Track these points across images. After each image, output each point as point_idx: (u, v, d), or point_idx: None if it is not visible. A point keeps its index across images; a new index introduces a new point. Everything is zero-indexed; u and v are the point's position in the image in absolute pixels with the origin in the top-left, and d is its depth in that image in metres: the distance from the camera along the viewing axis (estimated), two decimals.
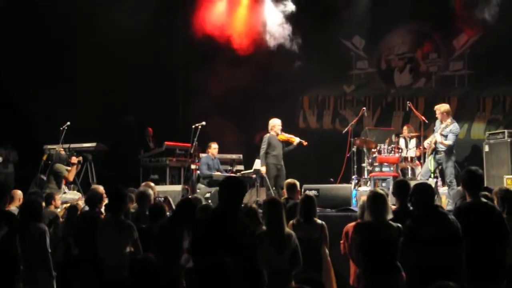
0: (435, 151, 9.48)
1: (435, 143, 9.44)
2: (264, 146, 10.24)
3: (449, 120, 9.38)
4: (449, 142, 9.31)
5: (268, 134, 10.38)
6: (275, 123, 10.44)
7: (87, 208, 6.89)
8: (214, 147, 11.33)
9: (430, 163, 9.56)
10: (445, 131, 9.34)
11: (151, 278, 3.61)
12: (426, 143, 9.77)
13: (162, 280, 4.83)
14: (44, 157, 10.85)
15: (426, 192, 4.99)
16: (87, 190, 9.42)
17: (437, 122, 9.62)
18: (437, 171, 9.88)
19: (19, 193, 7.51)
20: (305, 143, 10.56)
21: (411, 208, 5.29)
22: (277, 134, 10.35)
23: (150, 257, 4.02)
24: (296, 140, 10.45)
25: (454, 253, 4.69)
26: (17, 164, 12.11)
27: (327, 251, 6.20)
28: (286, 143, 10.44)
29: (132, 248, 5.53)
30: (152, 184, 7.87)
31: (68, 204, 8.08)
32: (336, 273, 6.35)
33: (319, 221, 6.15)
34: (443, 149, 9.36)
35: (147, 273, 3.61)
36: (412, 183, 5.70)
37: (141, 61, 13.40)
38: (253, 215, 5.79)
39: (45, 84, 12.66)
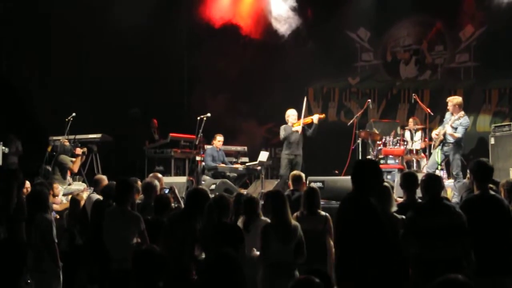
0: (442, 143, 9.47)
1: (444, 134, 9.43)
2: (280, 135, 10.32)
3: (461, 113, 9.40)
4: (459, 134, 9.31)
5: (284, 125, 10.38)
6: (288, 114, 10.42)
7: (96, 197, 6.92)
8: (219, 139, 11.34)
9: (437, 155, 9.55)
10: (455, 123, 9.34)
11: (155, 269, 3.61)
12: (434, 133, 9.77)
13: (172, 271, 4.85)
14: (49, 149, 10.87)
15: (436, 183, 4.97)
16: (92, 181, 9.45)
17: (447, 114, 9.61)
18: (443, 163, 9.88)
19: (26, 183, 7.53)
20: (321, 115, 10.52)
21: (419, 200, 5.28)
22: (292, 124, 10.30)
23: (154, 248, 4.02)
24: (314, 118, 10.35)
25: (459, 245, 4.66)
26: (21, 155, 12.08)
27: (331, 242, 6.20)
28: (309, 126, 10.34)
29: (139, 239, 5.54)
30: (159, 175, 7.86)
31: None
32: None
33: (323, 212, 6.14)
34: (451, 142, 9.35)
35: (151, 263, 3.61)
36: (419, 176, 5.68)
37: (146, 52, 13.39)
38: (254, 206, 5.80)
39: (49, 76, 12.67)
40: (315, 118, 10.32)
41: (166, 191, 7.68)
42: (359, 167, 4.41)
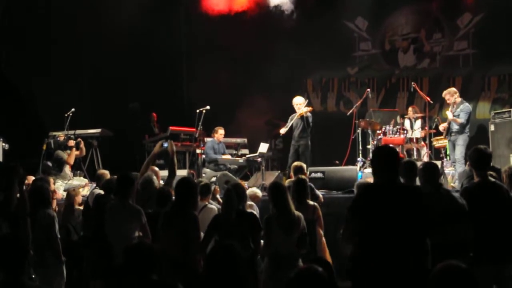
0: (449, 133, 9.56)
1: (449, 123, 9.49)
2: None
3: (458, 99, 9.48)
4: (461, 120, 9.38)
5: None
6: (293, 102, 10.50)
7: (97, 191, 6.94)
8: (220, 132, 11.34)
9: (448, 146, 9.68)
10: (457, 111, 9.42)
11: (145, 262, 3.63)
12: (441, 127, 9.86)
13: (176, 264, 4.86)
14: (44, 147, 10.83)
15: (435, 170, 5.03)
16: (93, 176, 9.47)
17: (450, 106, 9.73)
18: (449, 152, 9.95)
19: (28, 179, 7.55)
20: (309, 108, 10.53)
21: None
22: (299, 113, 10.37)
23: (144, 242, 4.04)
24: (303, 111, 10.38)
25: (461, 229, 4.69)
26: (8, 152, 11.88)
27: (321, 231, 6.21)
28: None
29: (141, 232, 5.55)
30: (156, 168, 7.86)
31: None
32: (340, 255, 6.35)
33: (311, 202, 6.16)
34: (456, 129, 9.41)
35: (141, 258, 3.63)
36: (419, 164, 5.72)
37: (144, 46, 13.37)
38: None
39: (49, 71, 12.66)
40: (304, 110, 10.36)
41: (165, 145, 7.68)
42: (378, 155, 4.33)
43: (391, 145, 4.53)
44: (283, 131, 10.49)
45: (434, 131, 10.74)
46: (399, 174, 4.19)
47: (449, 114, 9.46)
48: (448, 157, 9.87)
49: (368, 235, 3.97)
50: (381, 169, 4.15)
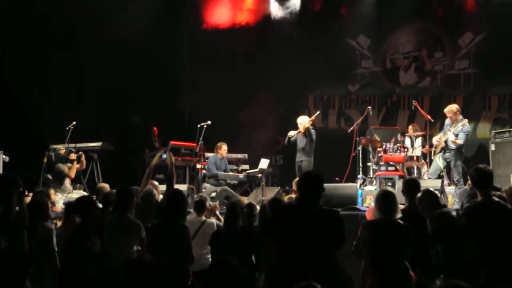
0: (444, 149, 9.52)
1: (446, 141, 9.47)
2: None
3: (465, 120, 9.50)
4: (460, 141, 9.37)
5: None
6: (298, 121, 10.69)
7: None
8: (224, 148, 11.33)
9: (439, 161, 9.60)
10: (457, 130, 9.40)
11: (146, 278, 3.61)
12: (435, 140, 9.81)
13: (168, 277, 4.82)
14: (45, 160, 10.81)
15: (435, 198, 5.10)
16: (93, 189, 9.45)
17: (447, 120, 9.70)
18: (445, 170, 9.91)
19: (27, 192, 7.52)
20: (311, 119, 10.72)
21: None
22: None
23: (144, 257, 4.03)
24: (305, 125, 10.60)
25: (468, 248, 4.71)
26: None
27: None
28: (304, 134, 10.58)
29: (139, 247, 5.53)
30: (156, 183, 7.86)
31: None
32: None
33: None
34: (453, 148, 9.40)
35: (141, 273, 3.61)
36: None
37: (147, 60, 13.42)
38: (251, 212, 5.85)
39: (50, 84, 12.68)
40: (306, 122, 10.57)
41: (164, 156, 7.69)
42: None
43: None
44: (292, 133, 10.63)
45: (435, 149, 10.74)
46: (319, 197, 4.72)
47: (450, 135, 9.43)
48: (442, 172, 9.88)
49: (281, 253, 4.42)
50: (302, 192, 4.67)
